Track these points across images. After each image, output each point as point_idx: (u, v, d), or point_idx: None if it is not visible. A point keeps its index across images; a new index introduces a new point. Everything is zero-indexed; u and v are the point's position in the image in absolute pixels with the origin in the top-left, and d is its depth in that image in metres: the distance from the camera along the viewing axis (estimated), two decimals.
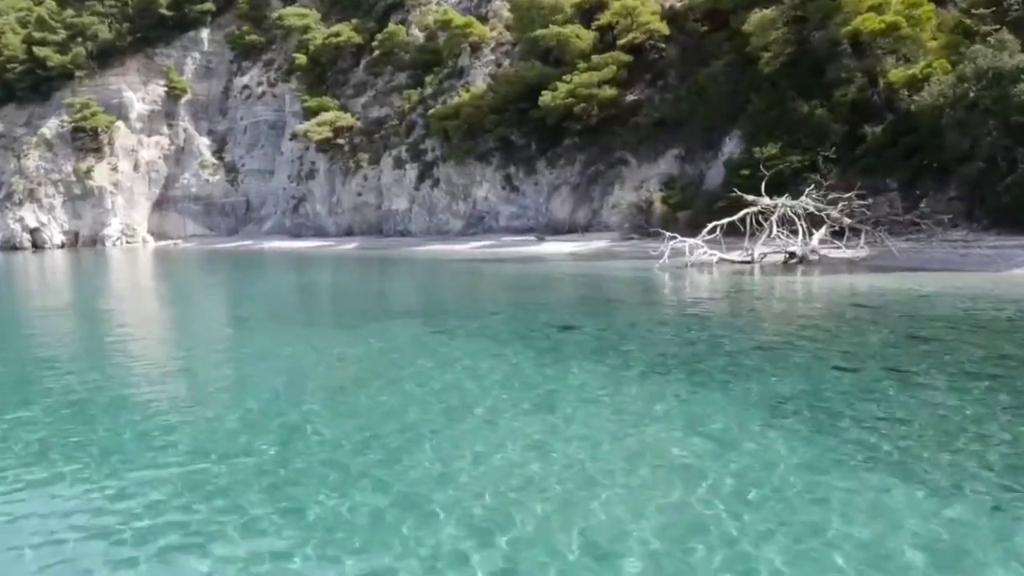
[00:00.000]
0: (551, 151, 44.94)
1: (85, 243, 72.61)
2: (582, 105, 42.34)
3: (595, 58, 43.14)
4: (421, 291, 24.42)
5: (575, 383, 9.83)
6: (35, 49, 70.77)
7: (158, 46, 75.00)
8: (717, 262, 26.59)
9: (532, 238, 42.79)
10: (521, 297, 21.05)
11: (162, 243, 72.16)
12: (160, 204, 74.88)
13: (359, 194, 57.09)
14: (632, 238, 36.99)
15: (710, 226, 27.09)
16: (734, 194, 32.79)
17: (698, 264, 26.41)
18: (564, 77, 43.21)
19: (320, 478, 6.52)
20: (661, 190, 37.35)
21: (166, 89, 74.46)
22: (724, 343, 12.46)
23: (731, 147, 37.01)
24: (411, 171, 51.84)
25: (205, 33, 75.81)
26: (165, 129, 74.82)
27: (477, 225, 48.17)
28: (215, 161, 73.52)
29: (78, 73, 72.46)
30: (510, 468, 6.69)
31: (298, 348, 13.14)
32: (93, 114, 70.67)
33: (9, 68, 71.28)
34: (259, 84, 72.35)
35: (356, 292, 25.02)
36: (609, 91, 42.38)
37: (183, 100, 74.72)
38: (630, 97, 43.51)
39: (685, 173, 38.61)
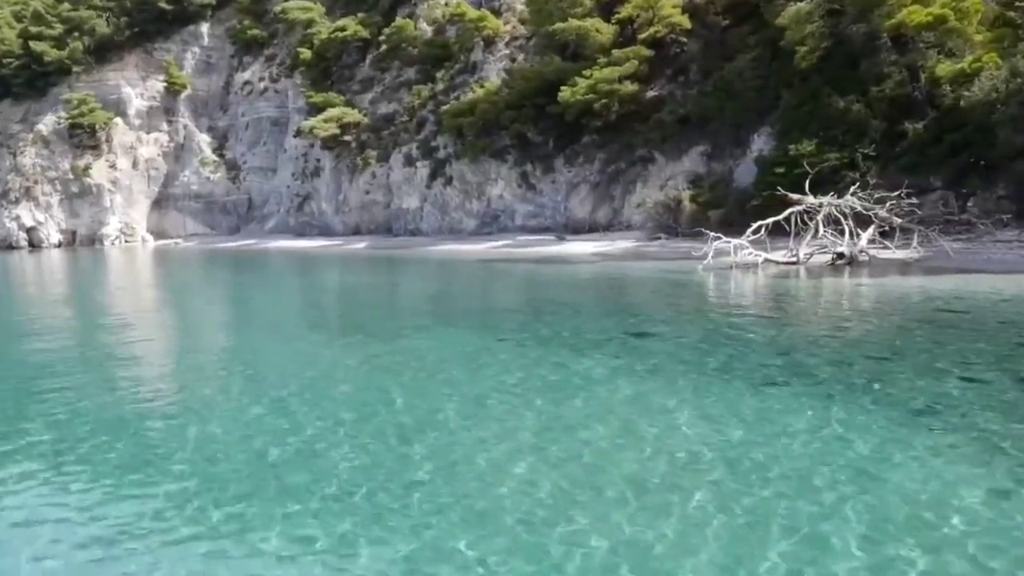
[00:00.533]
0: (569, 148, 43.76)
1: (83, 242, 71.03)
2: (603, 101, 41.19)
3: (616, 52, 41.99)
4: (458, 294, 23.15)
5: (689, 398, 8.71)
6: (31, 44, 69.05)
7: (157, 41, 73.40)
8: (763, 263, 25.46)
9: (551, 238, 41.60)
10: (572, 299, 19.90)
11: (162, 242, 70.66)
12: (159, 202, 73.33)
13: (367, 192, 55.77)
14: (659, 237, 35.87)
15: (754, 225, 25.95)
16: (768, 192, 31.85)
17: (742, 265, 25.28)
18: (584, 72, 42.05)
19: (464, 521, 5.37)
20: (688, 188, 36.17)
21: (165, 85, 72.88)
22: (826, 352, 11.44)
23: (760, 144, 35.92)
24: (422, 169, 50.56)
25: (205, 27, 74.26)
26: (164, 126, 73.26)
27: (492, 224, 46.95)
28: (216, 158, 71.99)
29: (75, 68, 70.82)
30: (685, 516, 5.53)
31: (354, 359, 11.94)
32: (91, 110, 69.08)
33: (5, 63, 69.54)
34: (261, 79, 70.87)
35: (389, 296, 23.71)
36: (630, 87, 41.26)
37: (183, 96, 73.15)
38: (650, 93, 42.46)
39: (712, 171, 37.48)
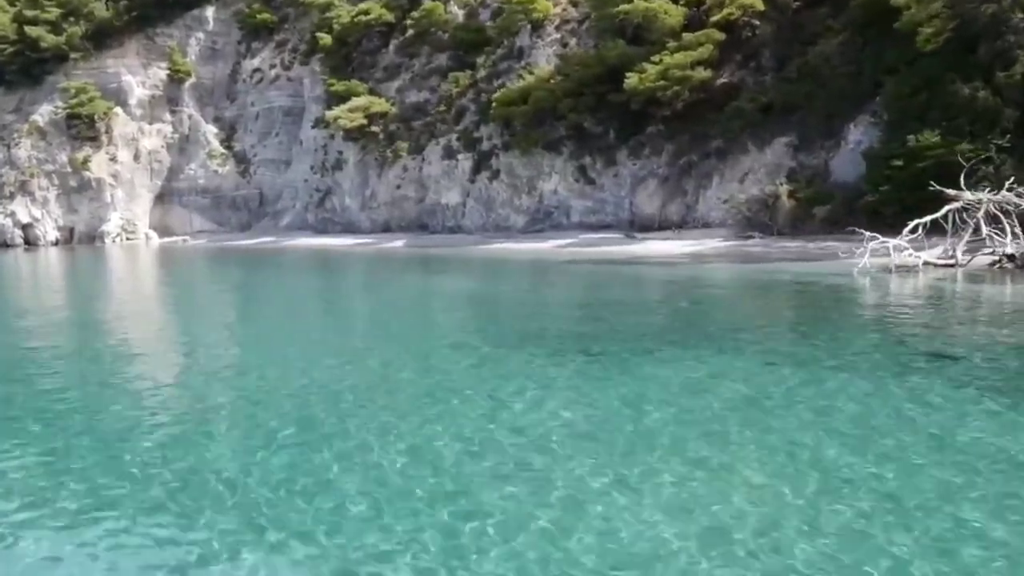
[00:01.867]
0: (634, 139, 40.79)
1: (81, 240, 66.72)
2: (675, 88, 38.33)
3: (686, 36, 39.13)
4: (607, 302, 19.52)
5: None
6: (26, 29, 64.55)
7: (159, 26, 69.04)
8: (923, 265, 22.73)
9: (618, 236, 38.65)
10: (757, 310, 16.93)
11: (167, 240, 66.57)
12: (162, 197, 69.14)
13: (397, 187, 52.37)
14: (750, 236, 33.02)
15: (912, 224, 23.18)
16: (886, 188, 29.33)
17: (901, 268, 22.49)
18: (652, 58, 39.16)
19: None
20: (784, 183, 33.32)
21: (168, 72, 68.58)
22: None
23: (858, 135, 33.24)
24: (464, 161, 47.30)
25: (210, 11, 69.95)
26: (168, 116, 68.99)
27: (543, 221, 43.87)
28: (224, 151, 67.97)
29: (73, 55, 66.37)
30: None
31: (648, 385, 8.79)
32: (91, 99, 64.73)
33: None
34: (272, 67, 66.96)
35: (536, 305, 20.32)
36: (703, 73, 38.44)
37: (187, 84, 68.94)
38: (719, 80, 39.67)
39: (802, 164, 34.71)
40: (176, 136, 68.71)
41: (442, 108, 50.07)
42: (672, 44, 39.26)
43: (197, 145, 68.39)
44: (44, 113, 66.11)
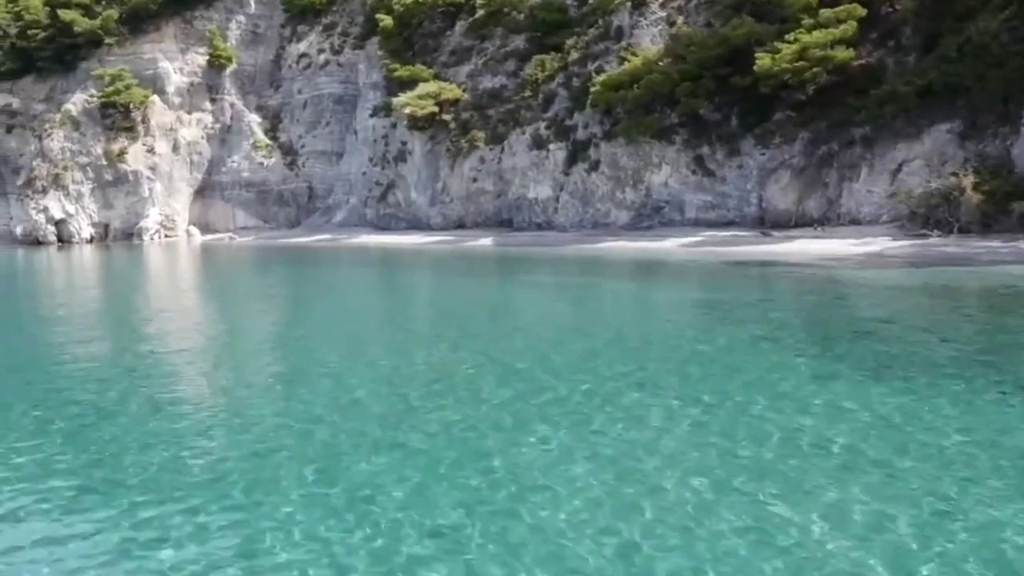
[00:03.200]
0: (760, 127, 36.97)
1: (116, 236, 62.71)
2: (814, 70, 34.53)
3: (824, 12, 35.28)
4: (836, 317, 15.78)
5: None
6: (59, 12, 60.27)
7: (198, 8, 64.84)
8: None
9: (750, 234, 34.91)
10: None
11: (210, 237, 62.60)
12: (202, 192, 65.10)
13: (474, 180, 48.46)
14: (924, 234, 29.27)
15: None
16: None
17: None
18: (785, 36, 35.37)
19: None
20: (967, 174, 29.52)
21: (208, 58, 64.47)
22: None
23: None
24: (557, 152, 43.40)
25: None
26: (208, 105, 64.86)
27: (652, 217, 40.07)
28: (269, 142, 63.91)
29: (107, 40, 62.13)
30: None
31: None
32: (127, 87, 60.62)
33: (30, 35, 60.70)
34: (320, 52, 62.89)
35: (761, 317, 16.46)
36: (845, 52, 34.63)
37: (228, 71, 64.78)
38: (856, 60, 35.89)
39: (979, 153, 30.88)
40: (217, 126, 64.63)
41: (527, 94, 46.09)
42: (807, 21, 35.43)
43: (240, 136, 64.33)
44: (77, 102, 61.98)
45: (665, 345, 13.68)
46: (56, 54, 61.79)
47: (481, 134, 47.93)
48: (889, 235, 30.60)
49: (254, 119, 64.37)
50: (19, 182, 61.46)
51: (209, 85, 64.93)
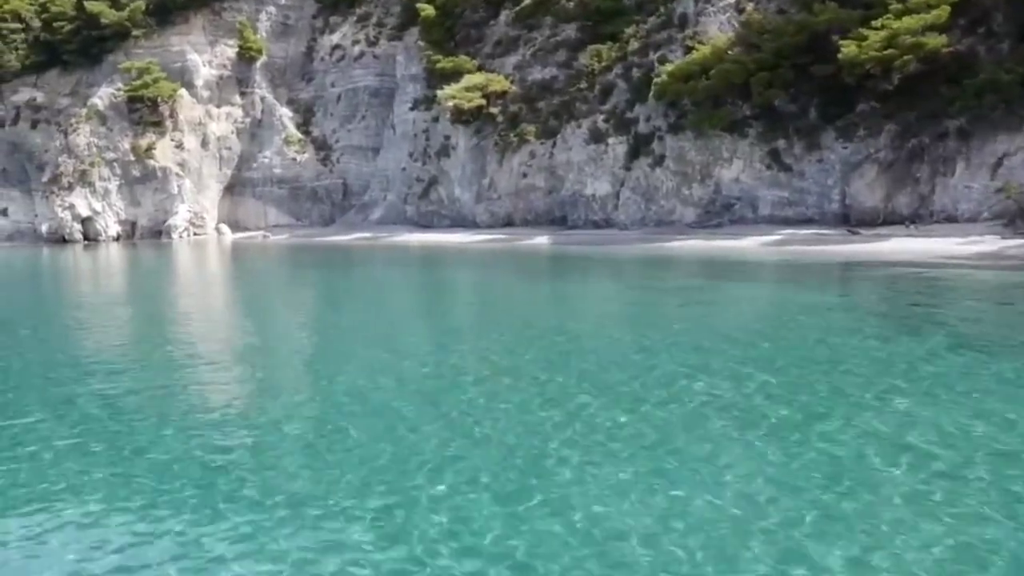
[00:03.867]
0: (842, 119, 34.98)
1: (144, 234, 60.92)
2: (904, 58, 32.54)
3: None
4: None
5: None
6: (86, 4, 58.36)
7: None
8: None
9: (836, 232, 32.95)
10: None
11: (242, 235, 60.74)
12: (232, 188, 63.23)
13: (524, 175, 46.51)
14: None
15: None
16: None
17: None
18: (871, 22, 33.40)
19: None
20: None
21: (237, 50, 62.52)
22: None
23: None
24: (617, 146, 41.44)
25: None
26: (237, 98, 62.90)
27: (721, 215, 38.13)
28: (301, 136, 61.95)
29: (134, 32, 60.22)
30: None
31: None
32: (155, 80, 58.69)
33: (55, 27, 58.83)
34: (355, 43, 60.87)
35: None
36: (937, 39, 32.63)
37: (258, 63, 62.81)
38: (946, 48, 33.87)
39: None
40: (247, 120, 62.72)
41: (582, 86, 44.11)
42: (895, 6, 33.43)
43: (271, 130, 62.43)
44: (104, 96, 60.11)
45: (867, 356, 11.69)
46: (82, 47, 59.95)
47: (532, 128, 45.98)
48: (995, 233, 28.63)
49: (285, 113, 62.46)
50: (44, 179, 59.63)
51: (239, 78, 63.00)
